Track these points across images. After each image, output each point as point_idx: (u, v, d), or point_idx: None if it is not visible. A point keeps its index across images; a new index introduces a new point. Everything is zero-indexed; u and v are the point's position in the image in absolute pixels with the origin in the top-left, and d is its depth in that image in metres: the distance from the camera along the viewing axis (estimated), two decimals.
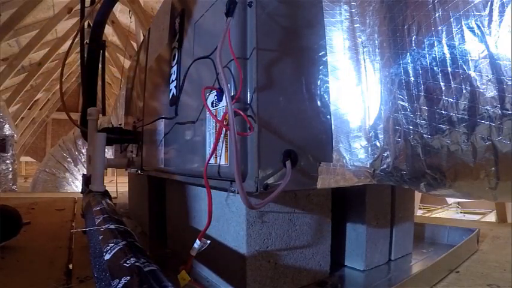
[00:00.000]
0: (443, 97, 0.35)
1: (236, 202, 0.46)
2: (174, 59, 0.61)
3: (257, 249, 0.44)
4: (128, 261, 0.38)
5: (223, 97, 0.42)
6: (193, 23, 0.56)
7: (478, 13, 0.32)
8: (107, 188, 0.98)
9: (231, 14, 0.40)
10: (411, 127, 0.38)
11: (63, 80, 1.13)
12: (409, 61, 0.38)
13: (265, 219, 0.45)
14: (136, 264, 0.37)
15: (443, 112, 0.35)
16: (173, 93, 0.60)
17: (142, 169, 0.84)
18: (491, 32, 0.31)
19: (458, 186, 0.37)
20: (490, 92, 0.31)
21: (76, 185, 4.14)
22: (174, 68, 0.61)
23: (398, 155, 0.40)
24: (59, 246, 0.77)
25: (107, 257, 0.42)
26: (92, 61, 0.94)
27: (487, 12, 0.31)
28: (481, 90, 0.32)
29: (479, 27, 0.32)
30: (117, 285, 0.33)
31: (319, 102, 0.44)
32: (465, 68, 0.33)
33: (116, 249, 0.44)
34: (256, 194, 0.39)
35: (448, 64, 0.34)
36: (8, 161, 3.28)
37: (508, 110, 0.30)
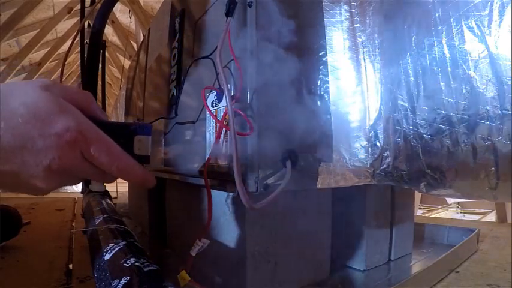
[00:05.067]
0: (443, 97, 0.35)
1: (236, 202, 0.46)
2: (174, 59, 0.61)
3: (257, 249, 0.44)
4: (128, 261, 0.38)
5: (223, 97, 0.42)
6: (193, 23, 0.56)
7: (478, 13, 0.32)
8: (107, 188, 0.98)
9: (231, 14, 0.40)
10: (411, 127, 0.38)
11: (63, 80, 1.14)
12: (409, 61, 0.38)
13: (265, 219, 0.45)
14: (137, 264, 0.37)
15: (443, 112, 0.35)
16: (173, 93, 0.60)
17: None
18: (491, 32, 0.31)
19: (458, 186, 0.37)
20: (490, 92, 0.31)
21: (76, 185, 4.14)
22: (174, 68, 0.60)
23: (398, 155, 0.40)
24: (59, 246, 0.77)
25: (107, 257, 0.42)
26: (92, 61, 0.94)
27: (487, 12, 0.31)
28: (481, 90, 0.32)
29: (479, 27, 0.32)
30: (117, 285, 0.33)
31: (319, 102, 0.44)
32: (465, 68, 0.33)
33: (116, 249, 0.44)
34: (256, 194, 0.39)
35: (448, 64, 0.34)
36: None
37: (508, 110, 0.30)
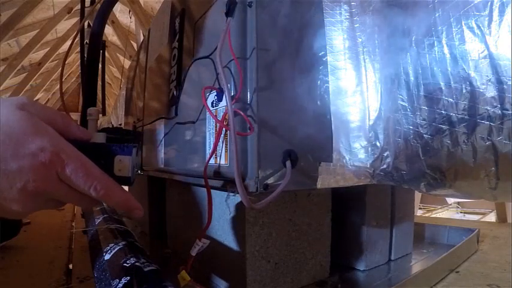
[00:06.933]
0: (443, 97, 0.35)
1: (236, 202, 0.46)
2: (174, 59, 0.61)
3: (257, 249, 0.44)
4: (128, 261, 0.38)
5: (223, 97, 0.42)
6: (193, 23, 0.56)
7: (478, 13, 0.32)
8: None
9: (231, 14, 0.40)
10: (411, 127, 0.38)
11: (63, 80, 1.13)
12: (409, 61, 0.38)
13: (266, 219, 0.45)
14: (137, 264, 0.37)
15: (443, 112, 0.35)
16: (173, 93, 0.60)
17: (142, 169, 0.84)
18: (491, 32, 0.31)
19: (458, 186, 0.37)
20: (490, 92, 0.31)
21: None
22: (174, 68, 0.61)
23: (398, 155, 0.40)
24: (59, 246, 0.77)
25: (107, 257, 0.42)
26: (92, 61, 0.94)
27: (487, 12, 0.31)
28: (481, 90, 0.32)
29: (479, 27, 0.32)
30: (117, 285, 0.33)
31: (319, 102, 0.44)
32: (465, 68, 0.33)
33: (116, 249, 0.44)
34: (256, 194, 0.39)
35: (448, 64, 0.34)
36: None
37: (508, 110, 0.30)
